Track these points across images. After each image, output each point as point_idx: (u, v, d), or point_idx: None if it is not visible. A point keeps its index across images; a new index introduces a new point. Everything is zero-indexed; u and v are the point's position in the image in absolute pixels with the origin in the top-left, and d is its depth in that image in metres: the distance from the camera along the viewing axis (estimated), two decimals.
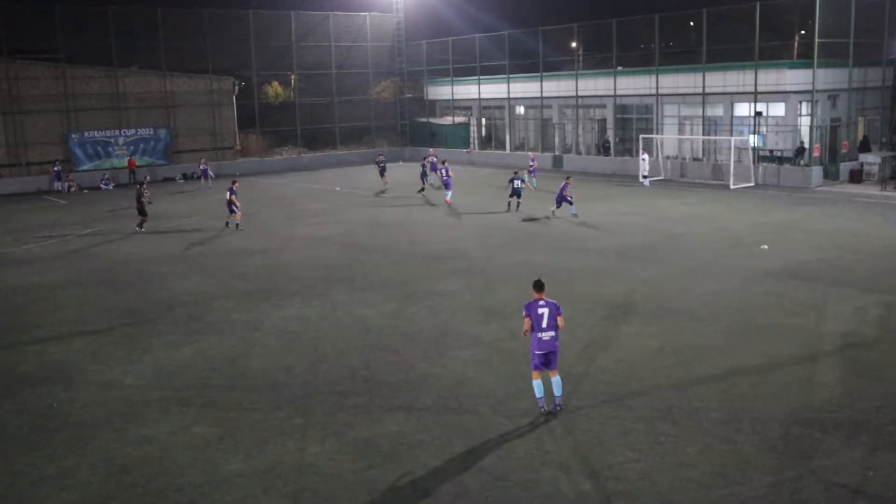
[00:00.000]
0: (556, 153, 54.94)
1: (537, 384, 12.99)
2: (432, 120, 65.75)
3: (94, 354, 17.12)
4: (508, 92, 58.10)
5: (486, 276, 23.07)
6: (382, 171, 46.43)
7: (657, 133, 47.67)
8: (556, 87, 54.66)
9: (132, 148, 55.32)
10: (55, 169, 50.99)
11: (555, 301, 12.98)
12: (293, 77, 63.79)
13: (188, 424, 13.13)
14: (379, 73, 66.56)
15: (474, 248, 27.29)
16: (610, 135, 52.11)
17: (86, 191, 50.12)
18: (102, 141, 54.63)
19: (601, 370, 14.97)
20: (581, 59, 57.52)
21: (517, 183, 34.69)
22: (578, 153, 54.40)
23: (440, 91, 65.30)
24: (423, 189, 42.29)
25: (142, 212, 33.24)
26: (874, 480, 10.62)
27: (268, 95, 64.65)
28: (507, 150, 59.05)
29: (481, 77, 60.08)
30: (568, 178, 33.76)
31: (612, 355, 15.81)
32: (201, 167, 50.53)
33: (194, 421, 13.25)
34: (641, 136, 46.92)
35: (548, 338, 12.79)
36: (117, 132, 55.03)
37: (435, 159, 45.31)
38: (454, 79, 62.73)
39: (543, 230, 30.38)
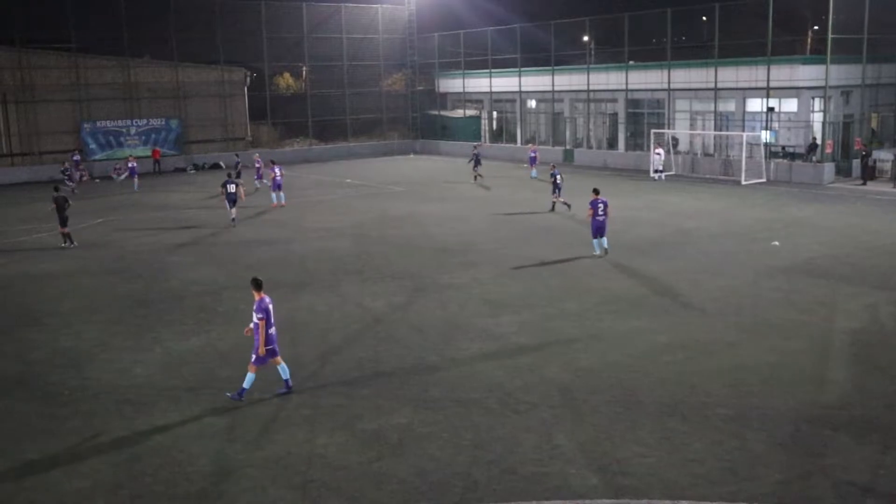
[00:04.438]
0: (567, 147, 54.80)
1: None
2: (443, 113, 65.68)
3: (104, 343, 17.19)
4: (520, 85, 57.95)
5: (496, 268, 23.05)
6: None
7: (668, 128, 47.50)
8: (568, 80, 54.48)
9: (144, 138, 55.49)
10: (74, 158, 50.95)
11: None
12: (304, 68, 63.77)
13: (198, 414, 13.18)
14: (390, 66, 66.48)
15: (484, 240, 27.28)
16: (621, 129, 51.95)
17: (97, 180, 50.25)
18: (114, 131, 54.77)
19: (610, 365, 14.96)
20: (593, 53, 57.32)
21: (558, 178, 33.07)
22: (589, 147, 54.26)
23: (451, 84, 65.20)
24: (477, 177, 42.86)
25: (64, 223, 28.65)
26: (884, 479, 10.59)
27: (279, 87, 64.66)
28: (518, 144, 58.91)
29: (493, 70, 59.96)
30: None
31: (622, 350, 15.79)
32: (130, 164, 47.39)
33: (203, 411, 13.31)
34: (653, 130, 46.76)
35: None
36: (129, 122, 55.16)
37: (478, 150, 45.18)
38: (465, 72, 62.61)
39: (553, 224, 30.32)
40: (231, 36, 58.48)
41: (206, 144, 58.19)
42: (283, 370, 13.94)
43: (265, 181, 40.63)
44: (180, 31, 55.91)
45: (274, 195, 36.40)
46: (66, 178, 43.79)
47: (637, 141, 51.18)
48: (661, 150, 43.94)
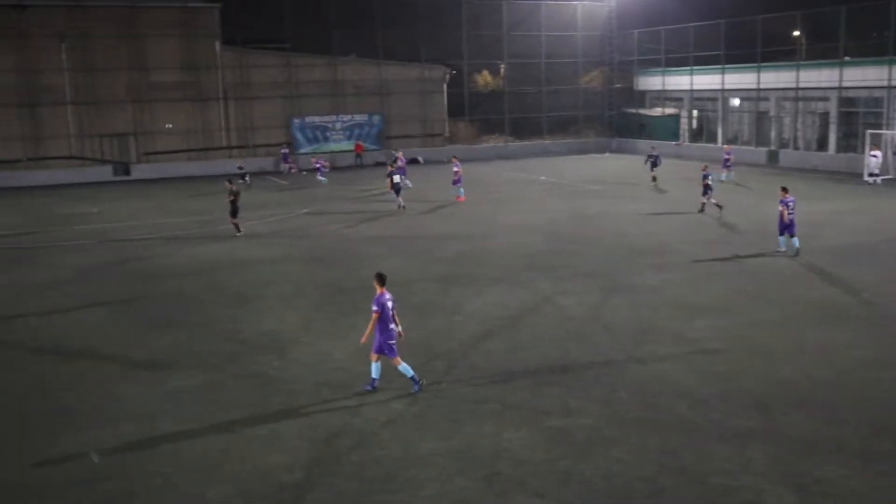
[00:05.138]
0: (772, 148, 52.22)
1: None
2: (641, 111, 64.35)
3: (305, 327, 18.12)
4: (723, 83, 55.70)
5: (690, 272, 22.35)
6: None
7: (887, 128, 44.18)
8: (775, 78, 51.79)
9: (348, 133, 58.11)
10: (283, 151, 54.33)
11: None
12: (503, 66, 64.35)
13: (389, 399, 13.62)
14: (588, 63, 65.88)
15: (678, 242, 26.49)
16: (832, 130, 48.87)
17: (304, 173, 53.00)
18: (321, 126, 57.71)
19: (812, 379, 14.14)
20: (804, 48, 54.22)
21: (710, 179, 32.09)
22: (796, 148, 51.45)
23: (650, 81, 63.74)
24: (654, 178, 41.56)
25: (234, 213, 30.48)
26: None
27: (477, 84, 65.60)
28: (719, 144, 56.75)
29: (694, 67, 58.06)
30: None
31: (825, 363, 14.88)
32: (316, 163, 49.14)
33: (395, 397, 13.73)
34: (869, 131, 43.63)
35: None
36: (335, 117, 57.93)
37: (656, 152, 43.54)
38: (665, 69, 61.00)
39: (753, 227, 28.95)
40: (432, 34, 59.92)
41: (406, 140, 59.96)
42: (376, 369, 13.91)
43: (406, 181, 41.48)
44: (385, 30, 57.95)
45: (458, 190, 36.65)
46: (241, 174, 45.89)
47: (850, 142, 47.99)
48: (878, 153, 40.92)
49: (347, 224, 32.09)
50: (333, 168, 53.00)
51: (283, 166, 53.78)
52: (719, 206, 31.49)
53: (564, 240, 27.66)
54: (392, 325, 13.73)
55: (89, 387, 14.78)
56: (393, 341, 13.73)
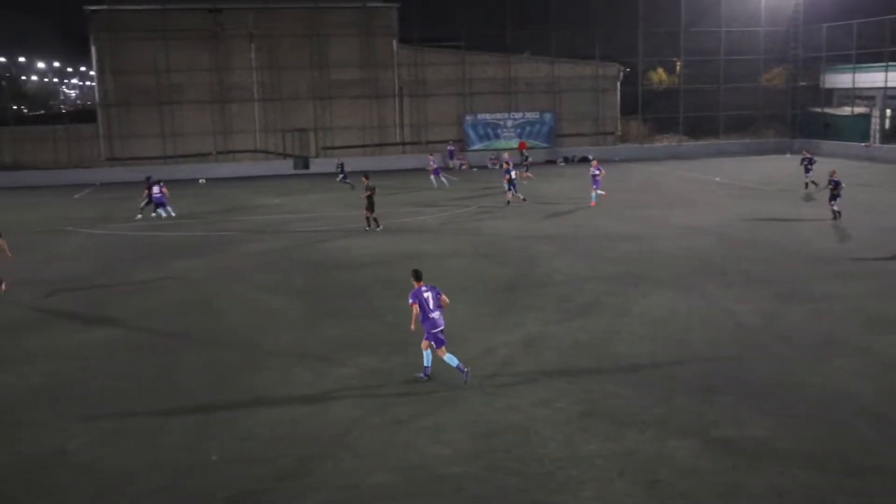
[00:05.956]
0: None
1: None
2: (827, 110, 60.91)
3: (473, 321, 18.31)
4: None
5: (878, 281, 20.97)
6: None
7: None
8: None
9: (519, 131, 58.35)
10: (449, 148, 55.33)
11: None
12: (679, 63, 62.66)
13: (552, 399, 13.57)
14: (771, 60, 63.05)
15: (864, 249, 24.92)
16: None
17: (475, 169, 53.56)
18: (493, 123, 58.22)
19: None
20: None
21: (841, 186, 29.90)
22: None
23: (839, 79, 60.19)
24: (807, 185, 38.76)
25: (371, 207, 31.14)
26: None
27: (651, 81, 64.19)
28: None
29: (889, 63, 54.35)
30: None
31: None
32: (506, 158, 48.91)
33: (558, 396, 13.66)
34: None
35: None
36: (506, 115, 58.28)
37: (810, 155, 40.43)
38: (857, 65, 57.45)
39: None
40: (607, 31, 59.16)
41: (577, 138, 59.54)
42: (427, 357, 14.64)
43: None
44: (559, 27, 57.72)
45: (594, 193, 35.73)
46: (341, 173, 46.60)
47: None
48: None
49: (516, 221, 32.18)
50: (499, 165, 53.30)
51: (452, 162, 54.61)
52: (836, 213, 29.92)
53: (738, 243, 26.61)
54: (433, 315, 14.45)
55: (267, 370, 15.56)
56: (437, 329, 14.43)
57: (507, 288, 21.40)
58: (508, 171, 36.50)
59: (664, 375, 14.59)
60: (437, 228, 31.16)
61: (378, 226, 30.74)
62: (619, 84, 60.56)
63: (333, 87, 55.94)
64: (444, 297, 14.76)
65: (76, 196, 46.47)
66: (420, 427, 12.64)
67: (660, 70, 64.87)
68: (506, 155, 44.65)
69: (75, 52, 71.11)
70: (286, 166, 55.80)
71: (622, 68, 60.62)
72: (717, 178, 44.88)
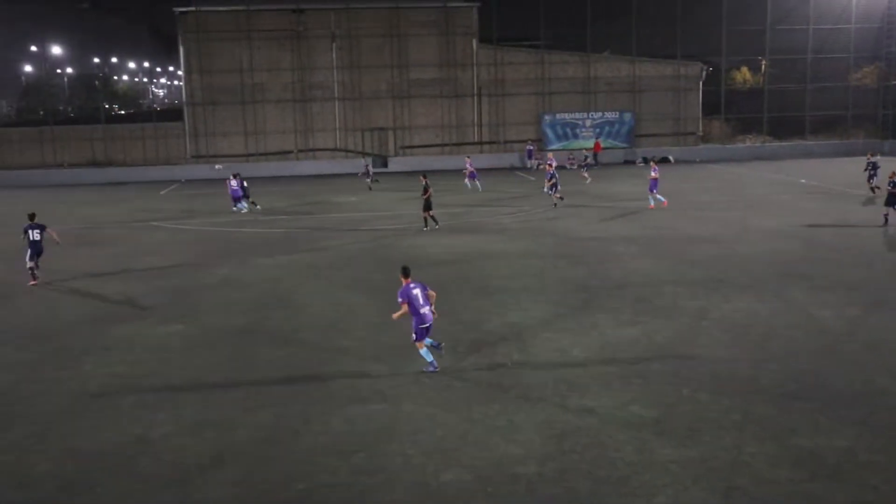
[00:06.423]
0: None
1: None
2: None
3: (547, 322, 18.26)
4: None
5: None
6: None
7: None
8: None
9: (597, 130, 57.91)
10: (528, 147, 55.25)
11: None
12: (764, 62, 61.24)
13: (627, 402, 13.44)
14: (861, 58, 61.16)
15: None
16: None
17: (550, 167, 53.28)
18: (571, 122, 57.92)
19: None
20: None
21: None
22: None
23: None
24: (874, 189, 37.06)
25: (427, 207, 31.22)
26: None
27: (735, 81, 62.90)
28: None
29: None
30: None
31: None
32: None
33: (633, 399, 13.53)
34: None
35: None
36: (585, 115, 57.89)
37: (875, 159, 38.70)
38: None
39: None
40: (689, 30, 58.25)
41: (657, 138, 58.75)
42: (426, 353, 15.04)
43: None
44: (641, 26, 57.05)
45: (653, 197, 35.01)
46: (366, 172, 46.98)
47: None
48: None
49: (595, 222, 31.97)
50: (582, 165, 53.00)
51: (530, 162, 54.49)
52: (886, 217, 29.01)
53: (823, 247, 25.91)
54: (424, 310, 14.74)
55: (343, 366, 15.81)
56: (425, 325, 14.81)
57: (584, 289, 21.27)
58: (553, 175, 36.44)
59: (742, 380, 14.31)
60: (515, 228, 31.14)
61: (436, 224, 30.90)
62: (701, 83, 59.52)
63: (412, 87, 56.40)
64: (430, 291, 15.19)
65: (162, 192, 47.93)
66: (493, 426, 12.67)
67: (744, 69, 63.53)
68: (550, 155, 44.26)
69: (164, 53, 73.59)
70: (363, 165, 56.45)
71: (705, 67, 59.56)
72: (803, 181, 43.77)
